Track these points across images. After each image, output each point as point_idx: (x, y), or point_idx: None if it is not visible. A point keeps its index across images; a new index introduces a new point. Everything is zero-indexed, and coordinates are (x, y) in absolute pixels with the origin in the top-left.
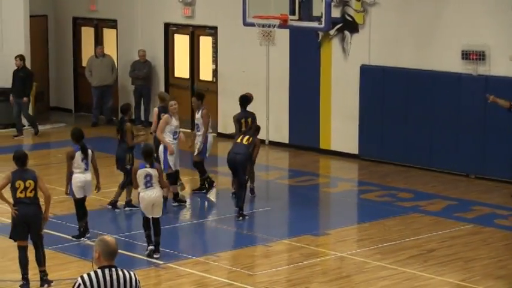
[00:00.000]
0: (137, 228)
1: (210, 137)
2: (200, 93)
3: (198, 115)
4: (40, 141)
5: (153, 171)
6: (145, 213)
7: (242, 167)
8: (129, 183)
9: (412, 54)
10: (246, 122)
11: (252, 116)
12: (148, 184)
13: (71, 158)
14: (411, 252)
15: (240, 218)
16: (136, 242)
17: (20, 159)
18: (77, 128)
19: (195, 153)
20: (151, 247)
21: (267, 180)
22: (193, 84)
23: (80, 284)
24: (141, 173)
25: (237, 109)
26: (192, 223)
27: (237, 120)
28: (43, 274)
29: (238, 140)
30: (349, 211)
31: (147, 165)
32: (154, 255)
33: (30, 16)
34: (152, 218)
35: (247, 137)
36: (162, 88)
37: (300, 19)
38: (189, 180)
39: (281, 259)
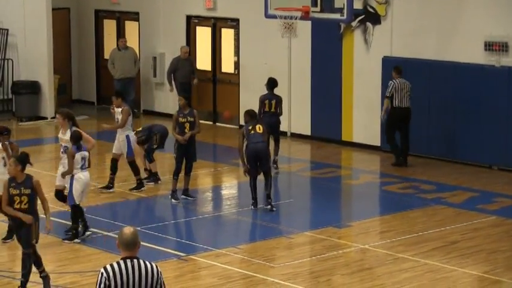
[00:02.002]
0: (159, 221)
1: (132, 136)
2: (119, 91)
3: (119, 110)
4: None
5: (87, 154)
6: (77, 197)
7: (265, 155)
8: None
9: (434, 46)
10: (270, 104)
11: (277, 98)
12: (84, 166)
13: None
14: (434, 244)
15: (269, 206)
16: (158, 233)
17: None
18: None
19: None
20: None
21: (289, 172)
22: (215, 76)
23: (102, 274)
24: (78, 156)
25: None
26: (214, 215)
27: (261, 101)
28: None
29: (252, 132)
30: (371, 203)
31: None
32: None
33: (53, 9)
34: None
35: (258, 126)
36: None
37: (321, 11)
38: (209, 173)
39: (303, 251)
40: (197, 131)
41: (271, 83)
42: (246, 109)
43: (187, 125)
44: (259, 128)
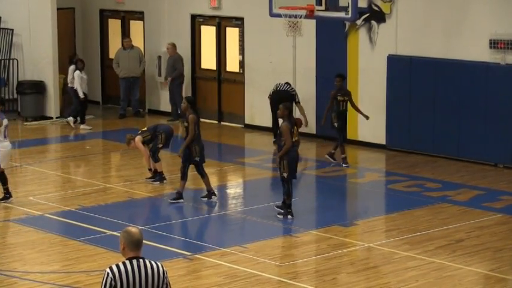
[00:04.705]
0: (164, 220)
1: (7, 145)
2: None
3: None
4: (67, 133)
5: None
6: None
7: (297, 163)
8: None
9: (440, 44)
10: (342, 100)
11: (348, 94)
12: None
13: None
14: (439, 242)
15: (290, 216)
16: (163, 233)
17: None
18: None
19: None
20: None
21: None
22: (220, 75)
23: (108, 274)
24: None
25: (264, 100)
26: (219, 214)
27: (333, 96)
28: None
29: (296, 138)
30: (377, 201)
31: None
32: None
33: (58, 9)
34: None
35: (295, 128)
36: (188, 79)
37: (326, 9)
38: (214, 172)
39: (309, 250)
40: (187, 141)
41: (342, 78)
42: (251, 108)
43: (184, 129)
44: (296, 133)
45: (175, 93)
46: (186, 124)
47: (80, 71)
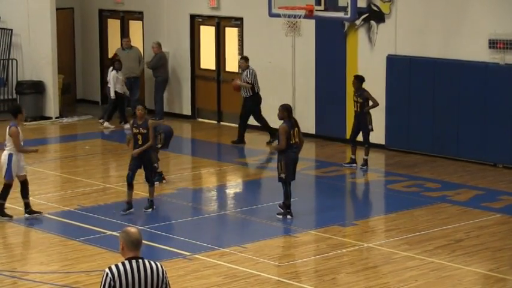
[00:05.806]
0: (162, 220)
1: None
2: (18, 106)
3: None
4: (67, 133)
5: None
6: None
7: (296, 164)
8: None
9: (439, 44)
10: (356, 100)
11: (363, 96)
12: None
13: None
14: (439, 242)
15: (289, 216)
16: (162, 233)
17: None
18: None
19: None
20: None
21: None
22: (219, 75)
23: (107, 274)
24: None
25: (263, 99)
26: (219, 214)
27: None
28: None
29: (293, 141)
30: (376, 201)
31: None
32: None
33: (57, 9)
34: None
35: (296, 130)
36: (187, 79)
37: (325, 9)
38: (213, 172)
39: (308, 250)
40: (148, 145)
41: (362, 80)
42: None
43: (139, 137)
44: (296, 135)
45: (154, 91)
46: (143, 131)
47: (117, 71)
